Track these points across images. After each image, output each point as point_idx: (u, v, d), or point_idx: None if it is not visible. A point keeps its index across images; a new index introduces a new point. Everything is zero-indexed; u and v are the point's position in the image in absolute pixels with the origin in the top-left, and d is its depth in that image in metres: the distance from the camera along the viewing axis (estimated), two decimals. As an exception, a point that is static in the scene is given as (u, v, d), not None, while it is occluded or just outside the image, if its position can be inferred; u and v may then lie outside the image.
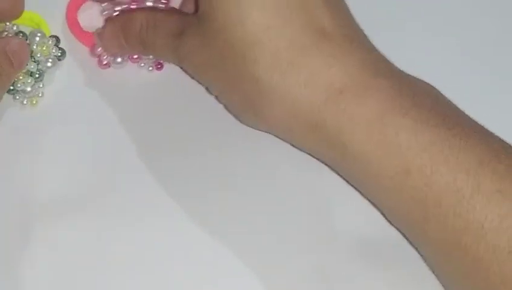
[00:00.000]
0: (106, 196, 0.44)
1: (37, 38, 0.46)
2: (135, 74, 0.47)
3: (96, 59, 0.47)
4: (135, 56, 0.46)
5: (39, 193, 0.44)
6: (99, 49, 0.46)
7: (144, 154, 0.45)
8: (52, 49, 0.46)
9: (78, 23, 0.47)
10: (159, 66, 0.47)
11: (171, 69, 0.46)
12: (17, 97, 0.46)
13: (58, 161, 0.45)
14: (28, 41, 0.45)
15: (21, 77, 0.45)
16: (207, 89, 0.45)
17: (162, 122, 0.46)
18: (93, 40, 0.46)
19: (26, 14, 0.45)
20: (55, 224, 0.43)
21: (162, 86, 0.47)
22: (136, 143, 0.45)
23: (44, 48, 0.45)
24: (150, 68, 0.47)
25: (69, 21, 0.47)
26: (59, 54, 0.46)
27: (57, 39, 0.46)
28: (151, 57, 0.46)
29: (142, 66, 0.47)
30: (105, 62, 0.47)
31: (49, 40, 0.46)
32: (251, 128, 0.44)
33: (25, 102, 0.46)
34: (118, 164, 0.45)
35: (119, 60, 0.46)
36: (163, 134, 0.46)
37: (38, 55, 0.45)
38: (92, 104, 0.46)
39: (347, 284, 0.42)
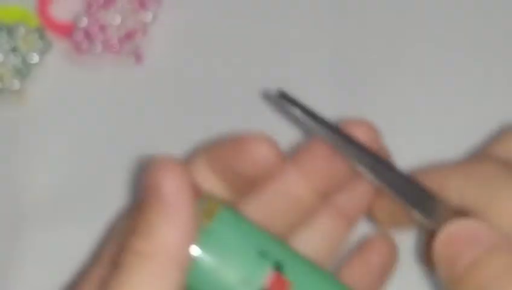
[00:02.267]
0: (97, 194, 0.44)
1: (21, 32, 0.44)
2: (121, 66, 0.46)
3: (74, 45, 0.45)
4: (116, 46, 0.45)
5: (27, 192, 0.44)
6: (79, 36, 0.45)
7: (133, 150, 0.44)
8: (37, 42, 0.44)
9: (50, 15, 0.46)
10: (140, 58, 0.46)
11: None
12: (5, 94, 0.44)
13: (48, 159, 0.44)
14: (11, 36, 0.44)
15: (7, 76, 0.44)
16: None
17: (153, 117, 0.45)
18: (69, 30, 0.45)
19: (14, 10, 0.44)
20: (46, 223, 0.43)
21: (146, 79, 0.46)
22: (128, 138, 0.45)
23: (29, 43, 0.44)
24: (131, 60, 0.46)
25: (41, 14, 0.46)
26: (44, 47, 0.45)
27: (41, 31, 0.45)
28: (132, 47, 0.45)
29: (123, 57, 0.46)
30: (83, 49, 0.45)
31: (33, 34, 0.44)
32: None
33: (12, 99, 0.45)
34: (109, 160, 0.45)
35: (98, 48, 0.45)
36: (155, 128, 0.45)
37: (23, 51, 0.44)
38: (82, 98, 0.45)
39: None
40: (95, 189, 0.44)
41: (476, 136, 0.44)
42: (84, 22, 0.45)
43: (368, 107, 0.45)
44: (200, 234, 0.32)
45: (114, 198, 0.43)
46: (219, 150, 0.35)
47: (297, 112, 0.35)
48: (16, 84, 0.44)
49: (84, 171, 0.44)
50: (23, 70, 0.44)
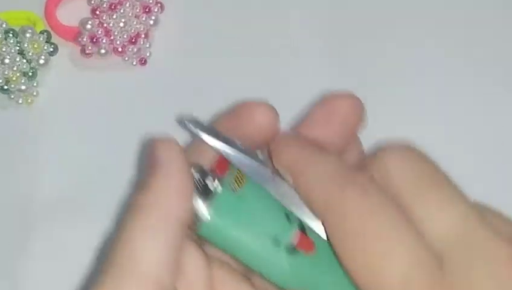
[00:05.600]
0: (105, 194, 0.44)
1: (28, 36, 0.45)
2: (125, 68, 0.47)
3: (80, 48, 0.46)
4: (119, 49, 0.46)
5: (36, 191, 0.44)
6: (84, 39, 0.46)
7: (138, 149, 0.45)
8: (44, 46, 0.45)
9: (57, 19, 0.47)
10: (143, 62, 0.47)
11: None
12: (12, 97, 0.45)
13: (55, 159, 0.45)
14: (18, 39, 0.45)
15: (14, 78, 0.45)
16: None
17: (157, 117, 0.46)
18: (75, 34, 0.46)
19: (21, 14, 0.45)
20: (53, 223, 0.44)
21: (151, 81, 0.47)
22: (132, 139, 0.45)
23: (35, 46, 0.45)
24: (134, 63, 0.47)
25: (48, 18, 0.47)
26: (51, 50, 0.46)
27: (48, 34, 0.46)
28: (135, 50, 0.47)
29: (126, 60, 0.47)
30: (88, 52, 0.46)
31: (39, 37, 0.45)
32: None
33: (20, 101, 0.46)
34: (116, 160, 0.45)
35: (102, 51, 0.46)
36: (158, 128, 0.44)
37: (30, 54, 0.45)
38: (87, 100, 0.46)
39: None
40: (104, 187, 0.44)
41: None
42: (89, 26, 0.46)
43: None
44: (233, 198, 0.33)
45: (122, 195, 0.44)
46: (222, 121, 0.35)
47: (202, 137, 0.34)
48: (23, 86, 0.45)
49: (91, 169, 0.45)
50: (30, 73, 0.45)
